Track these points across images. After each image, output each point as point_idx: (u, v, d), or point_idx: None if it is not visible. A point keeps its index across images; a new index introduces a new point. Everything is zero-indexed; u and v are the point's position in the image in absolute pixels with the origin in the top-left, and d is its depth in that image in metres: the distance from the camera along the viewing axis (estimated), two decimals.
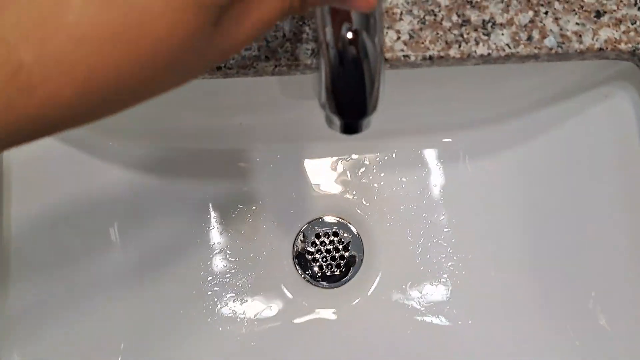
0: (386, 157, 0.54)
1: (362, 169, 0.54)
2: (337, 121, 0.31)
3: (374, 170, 0.54)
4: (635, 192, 0.43)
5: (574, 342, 0.45)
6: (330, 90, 0.29)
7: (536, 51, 0.39)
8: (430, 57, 0.39)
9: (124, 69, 0.21)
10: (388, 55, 0.38)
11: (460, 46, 0.39)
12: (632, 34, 0.39)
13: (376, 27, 0.28)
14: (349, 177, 0.55)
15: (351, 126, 0.31)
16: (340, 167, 0.55)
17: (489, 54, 0.39)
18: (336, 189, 0.55)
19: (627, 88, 0.43)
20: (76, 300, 0.48)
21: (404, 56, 0.39)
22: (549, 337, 0.46)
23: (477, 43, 0.39)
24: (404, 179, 0.54)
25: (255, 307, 0.52)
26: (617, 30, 0.39)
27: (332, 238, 0.54)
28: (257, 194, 0.54)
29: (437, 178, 0.53)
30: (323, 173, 0.55)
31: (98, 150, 0.49)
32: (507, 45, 0.39)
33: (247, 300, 0.52)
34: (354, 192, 0.54)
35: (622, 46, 0.39)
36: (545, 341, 0.46)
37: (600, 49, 0.39)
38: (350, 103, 0.30)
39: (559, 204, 0.47)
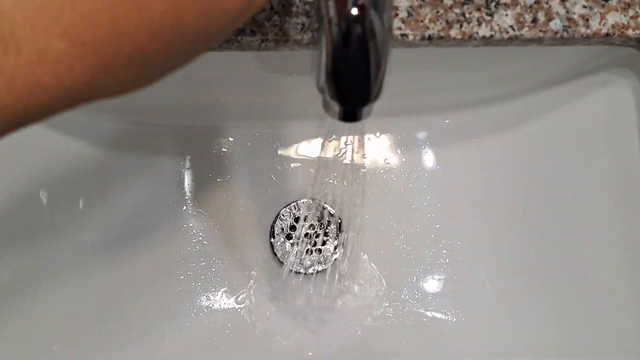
0: (371, 139, 0.52)
1: (345, 150, 0.52)
2: (335, 107, 0.28)
3: (358, 152, 0.52)
4: (629, 179, 0.42)
5: (564, 327, 0.44)
6: (331, 72, 0.26)
7: (541, 34, 0.36)
8: (430, 37, 0.36)
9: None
10: None
11: (461, 26, 0.36)
12: None
13: (385, 3, 0.25)
14: (331, 159, 0.52)
15: (351, 114, 0.28)
16: (322, 148, 0.52)
17: (491, 36, 0.36)
18: (317, 170, 0.52)
19: (628, 75, 0.41)
20: (40, 279, 0.45)
21: (402, 35, 0.36)
22: (536, 320, 0.45)
23: (479, 23, 0.36)
24: (388, 162, 0.51)
25: (230, 293, 0.50)
26: (625, 15, 0.37)
27: (311, 222, 0.51)
28: (233, 174, 0.51)
29: (424, 161, 0.51)
30: (303, 153, 0.52)
31: (67, 124, 0.45)
32: (511, 27, 0.36)
33: (221, 285, 0.49)
34: (336, 174, 0.52)
35: (630, 32, 0.37)
36: (532, 323, 0.45)
37: (607, 34, 0.37)
38: (352, 88, 0.27)
39: (551, 189, 0.46)
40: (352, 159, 0.51)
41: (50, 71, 0.18)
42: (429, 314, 0.48)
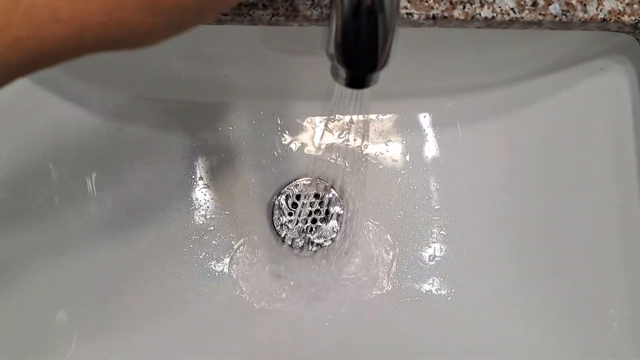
0: (373, 120, 0.53)
1: (348, 131, 0.53)
2: (343, 73, 0.30)
3: (360, 133, 0.53)
4: (623, 162, 0.43)
5: (559, 310, 0.45)
6: (340, 40, 0.28)
7: (540, 18, 0.38)
8: (434, 17, 0.38)
9: None
10: None
11: (464, 7, 0.38)
12: (635, 6, 0.38)
13: None
14: (334, 139, 0.53)
15: (358, 79, 0.30)
16: (325, 128, 0.54)
17: (493, 17, 0.38)
18: (320, 149, 0.53)
19: (624, 62, 0.43)
20: (48, 253, 0.46)
21: (407, 14, 0.37)
22: (533, 303, 0.47)
23: (482, 5, 0.38)
24: (390, 143, 0.53)
25: (231, 267, 0.51)
26: (621, 2, 0.38)
27: (312, 200, 0.53)
28: (238, 151, 0.53)
29: (424, 143, 0.53)
30: (307, 132, 0.54)
31: (79, 98, 0.46)
32: (512, 9, 0.38)
33: (223, 260, 0.51)
34: (338, 154, 0.53)
35: (625, 18, 0.38)
36: (528, 306, 0.47)
37: (604, 19, 0.38)
38: (361, 55, 0.28)
39: (549, 173, 0.48)
40: (355, 140, 0.53)
41: (67, 4, 0.18)
42: (425, 290, 0.50)
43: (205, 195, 0.51)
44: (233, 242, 0.51)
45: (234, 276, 0.51)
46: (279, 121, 0.53)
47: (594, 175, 0.45)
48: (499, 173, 0.50)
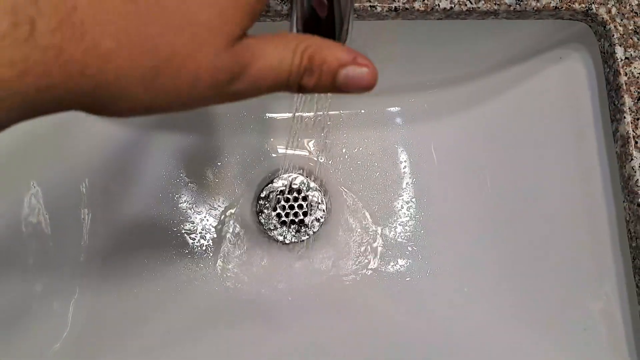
0: (350, 116, 0.56)
1: (326, 127, 0.56)
2: None
3: (338, 128, 0.56)
4: (584, 148, 0.45)
5: (530, 287, 0.47)
6: (302, 29, 0.30)
7: (496, 7, 0.40)
8: (396, 9, 0.40)
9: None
10: (355, 4, 0.39)
11: None
12: None
13: None
14: (313, 134, 0.56)
15: None
16: (304, 124, 0.56)
17: (451, 8, 0.40)
18: (300, 145, 0.56)
19: (580, 50, 0.45)
20: None
21: (371, 6, 0.40)
22: (504, 280, 0.49)
23: None
24: (366, 138, 0.55)
25: (218, 262, 0.53)
26: None
27: (294, 195, 0.55)
28: (221, 149, 0.55)
29: (398, 137, 0.55)
30: (287, 129, 0.56)
31: None
32: (469, 0, 0.40)
33: (208, 254, 0.53)
34: (318, 150, 0.56)
35: (576, 6, 0.41)
36: (499, 283, 0.49)
37: (556, 7, 0.41)
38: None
39: (515, 162, 0.50)
40: (334, 135, 0.55)
41: (94, 62, 0.21)
42: (395, 265, 0.52)
43: (190, 193, 0.53)
44: (218, 239, 0.53)
45: (221, 269, 0.53)
46: (259, 118, 0.55)
47: (558, 158, 0.47)
48: (470, 162, 0.52)
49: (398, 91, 0.53)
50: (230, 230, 0.54)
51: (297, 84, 0.25)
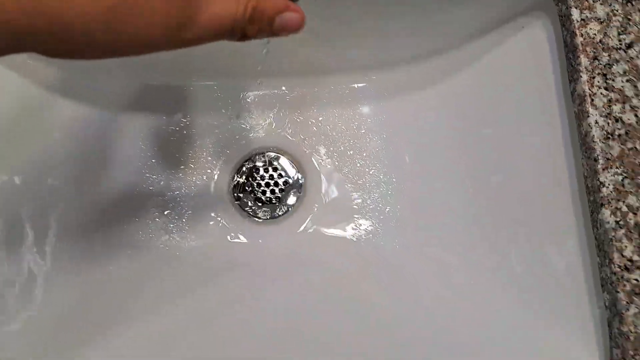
0: (321, 93, 0.57)
1: (298, 105, 0.57)
2: None
3: (310, 106, 0.57)
4: (548, 111, 0.46)
5: (501, 250, 0.48)
6: None
7: None
8: None
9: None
10: None
11: None
12: None
13: None
14: (286, 113, 0.57)
15: None
16: (276, 103, 0.57)
17: None
18: (273, 123, 0.57)
19: (542, 17, 0.46)
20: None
21: None
22: (479, 257, 0.49)
23: None
24: (337, 114, 0.56)
25: (193, 240, 0.54)
26: None
27: (270, 172, 0.56)
28: (195, 129, 0.56)
29: (369, 113, 0.56)
30: (260, 108, 0.57)
31: (35, 76, 0.49)
32: None
33: (184, 233, 0.53)
34: (290, 127, 0.57)
35: None
36: (472, 248, 0.49)
37: None
38: None
39: (483, 130, 0.51)
40: (307, 113, 0.56)
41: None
42: (367, 230, 0.53)
43: (165, 174, 0.54)
44: (193, 218, 0.54)
45: (196, 249, 0.54)
46: (232, 99, 0.56)
47: (524, 123, 0.48)
48: (440, 136, 0.53)
49: (364, 68, 0.54)
50: (209, 206, 0.55)
51: (240, 32, 0.27)
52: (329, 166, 0.56)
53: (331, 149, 0.56)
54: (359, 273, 0.51)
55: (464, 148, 0.52)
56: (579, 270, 0.41)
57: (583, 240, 0.41)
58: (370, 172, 0.55)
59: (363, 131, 0.56)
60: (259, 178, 0.56)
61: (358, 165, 0.55)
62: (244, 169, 0.56)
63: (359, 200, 0.55)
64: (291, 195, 0.55)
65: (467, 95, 0.52)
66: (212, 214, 0.55)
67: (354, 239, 0.54)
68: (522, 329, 0.43)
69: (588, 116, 0.40)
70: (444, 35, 0.51)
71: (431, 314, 0.47)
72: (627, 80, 0.41)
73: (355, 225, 0.54)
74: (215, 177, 0.56)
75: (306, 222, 0.55)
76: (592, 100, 0.40)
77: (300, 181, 0.56)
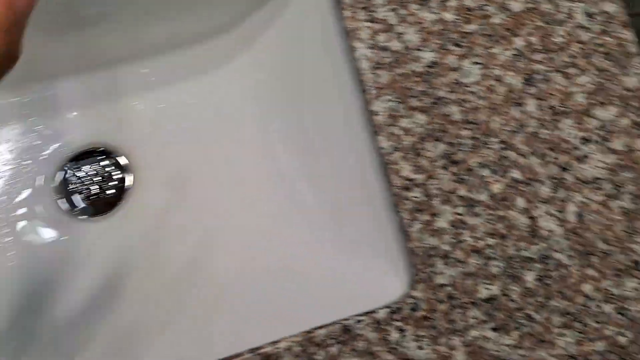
0: (139, 79, 0.56)
1: (118, 92, 0.55)
2: None
3: (130, 93, 0.56)
4: (334, 61, 0.46)
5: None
6: None
7: None
8: None
9: None
10: None
11: None
12: None
13: None
14: (108, 102, 0.55)
15: None
16: (95, 93, 0.55)
17: None
18: (94, 115, 0.55)
19: None
20: None
21: None
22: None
23: None
24: (159, 97, 0.55)
25: (19, 243, 0.52)
26: None
27: (96, 167, 0.54)
28: (5, 138, 0.54)
29: (184, 93, 0.55)
30: (79, 102, 0.55)
31: None
32: None
33: (8, 238, 0.51)
34: (113, 116, 0.55)
35: None
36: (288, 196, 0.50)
37: None
38: None
39: (290, 93, 0.51)
40: (129, 99, 0.55)
41: None
42: (210, 224, 0.53)
43: None
44: (17, 220, 0.52)
45: (23, 252, 0.52)
46: (42, 100, 0.55)
47: (321, 80, 0.48)
48: (252, 105, 0.53)
49: (154, 53, 0.54)
50: (32, 217, 0.53)
51: None
52: (155, 156, 0.55)
53: (156, 135, 0.55)
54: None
55: (279, 116, 0.52)
56: (378, 199, 0.42)
57: (378, 169, 0.42)
58: (197, 156, 0.55)
59: (184, 113, 0.55)
60: (85, 174, 0.54)
61: (183, 150, 0.55)
62: (66, 167, 0.54)
63: (187, 181, 0.54)
64: (118, 191, 0.54)
65: (264, 64, 0.52)
66: (37, 217, 0.53)
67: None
68: (331, 261, 0.44)
69: (355, 50, 0.41)
70: (227, 14, 0.51)
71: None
72: (391, 10, 0.42)
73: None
74: (37, 177, 0.54)
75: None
76: (358, 34, 0.41)
77: (127, 177, 0.55)
